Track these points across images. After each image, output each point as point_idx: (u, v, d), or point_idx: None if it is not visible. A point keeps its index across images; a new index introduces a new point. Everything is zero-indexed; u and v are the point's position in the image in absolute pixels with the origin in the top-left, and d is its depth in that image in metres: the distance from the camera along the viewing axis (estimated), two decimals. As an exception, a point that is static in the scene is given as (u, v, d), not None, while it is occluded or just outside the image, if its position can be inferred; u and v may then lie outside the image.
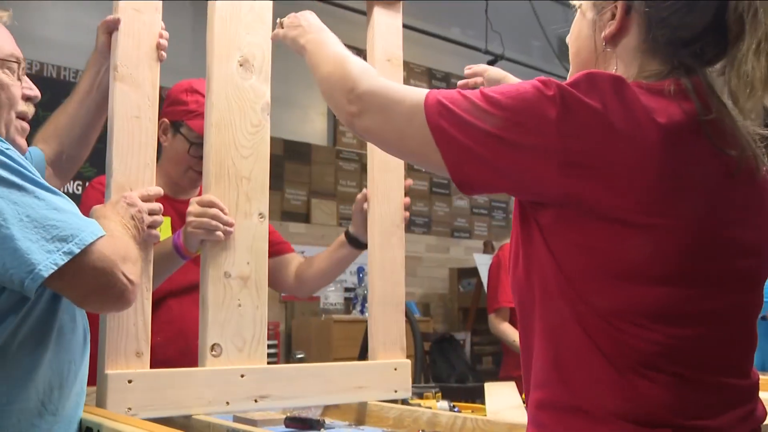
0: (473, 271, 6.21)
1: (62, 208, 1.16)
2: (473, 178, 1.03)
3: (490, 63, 6.67)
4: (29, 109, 1.34)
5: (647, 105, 0.98)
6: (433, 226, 6.81)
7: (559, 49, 7.54)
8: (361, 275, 5.84)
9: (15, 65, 1.32)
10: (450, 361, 5.10)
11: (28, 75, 1.38)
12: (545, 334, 1.04)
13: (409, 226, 6.59)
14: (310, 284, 2.22)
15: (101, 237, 1.18)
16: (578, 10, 1.20)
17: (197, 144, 2.07)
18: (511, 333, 3.21)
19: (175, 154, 2.12)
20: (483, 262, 5.80)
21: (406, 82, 7.11)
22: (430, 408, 1.95)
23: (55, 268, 1.11)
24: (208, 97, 1.73)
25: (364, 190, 2.05)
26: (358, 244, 2.09)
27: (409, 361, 1.95)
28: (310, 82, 5.35)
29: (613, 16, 1.11)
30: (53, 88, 4.42)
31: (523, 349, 1.11)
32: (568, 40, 1.23)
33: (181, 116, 2.10)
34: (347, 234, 2.11)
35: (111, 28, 1.59)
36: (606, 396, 0.98)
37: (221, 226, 1.68)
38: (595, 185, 0.96)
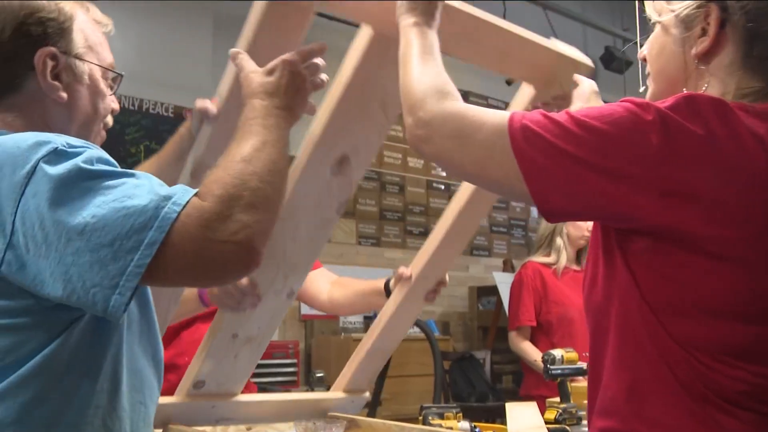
0: (493, 290, 6.18)
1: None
2: (561, 207, 0.97)
3: (508, 81, 6.67)
4: (110, 121, 1.33)
5: (754, 130, 0.93)
6: (453, 244, 6.79)
7: (578, 66, 7.53)
8: (380, 294, 5.82)
9: (115, 77, 1.32)
10: (470, 380, 5.07)
11: None
12: (620, 362, 1.00)
13: (428, 244, 6.58)
14: (341, 311, 2.22)
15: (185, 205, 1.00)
16: (657, 26, 1.14)
17: None
18: (531, 352, 3.19)
19: None
20: (502, 281, 5.77)
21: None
22: (451, 428, 1.94)
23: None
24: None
25: (408, 270, 1.94)
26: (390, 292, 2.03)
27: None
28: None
29: (704, 31, 1.05)
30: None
31: (592, 372, 1.09)
32: (643, 56, 1.19)
33: None
34: (386, 287, 2.05)
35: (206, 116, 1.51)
36: (684, 429, 0.94)
37: (248, 302, 1.60)
38: (696, 216, 0.91)
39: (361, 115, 1.45)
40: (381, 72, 1.41)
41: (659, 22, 1.13)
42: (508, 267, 6.51)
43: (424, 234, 6.55)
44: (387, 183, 6.37)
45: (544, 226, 3.38)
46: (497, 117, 1.01)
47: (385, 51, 1.38)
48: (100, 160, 1.03)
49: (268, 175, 1.06)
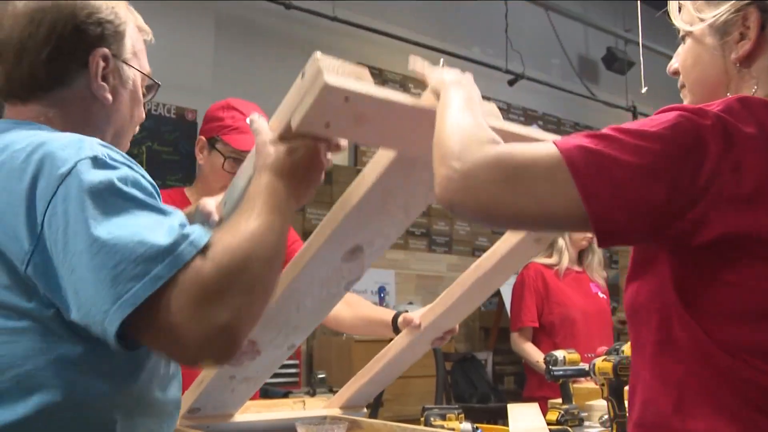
0: (495, 291, 6.17)
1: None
2: (622, 227, 0.92)
3: (510, 82, 6.67)
4: (136, 130, 1.34)
5: None
6: (454, 245, 6.79)
7: (579, 67, 7.54)
8: (382, 294, 5.82)
9: (153, 87, 1.34)
10: (472, 381, 5.07)
11: None
12: (663, 376, 0.99)
13: (430, 245, 6.59)
14: (343, 330, 2.21)
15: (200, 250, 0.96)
16: (688, 39, 1.13)
17: (232, 158, 2.10)
18: (534, 353, 3.19)
19: (211, 171, 2.14)
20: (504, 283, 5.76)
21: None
22: (453, 430, 1.94)
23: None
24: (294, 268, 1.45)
25: (417, 319, 1.92)
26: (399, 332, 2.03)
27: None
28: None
29: (742, 35, 1.05)
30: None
31: (633, 380, 1.08)
32: (674, 69, 1.17)
33: (216, 132, 2.13)
34: (394, 321, 2.04)
35: (208, 219, 1.49)
36: None
37: (246, 358, 1.59)
38: (760, 220, 0.90)
39: (381, 215, 1.39)
40: (405, 183, 1.32)
41: (690, 33, 1.12)
42: (509, 268, 6.49)
43: (426, 235, 6.55)
44: (389, 184, 6.36)
45: (546, 227, 3.38)
46: (546, 148, 0.95)
47: (411, 167, 1.29)
48: (135, 184, 1.02)
49: (269, 263, 1.02)
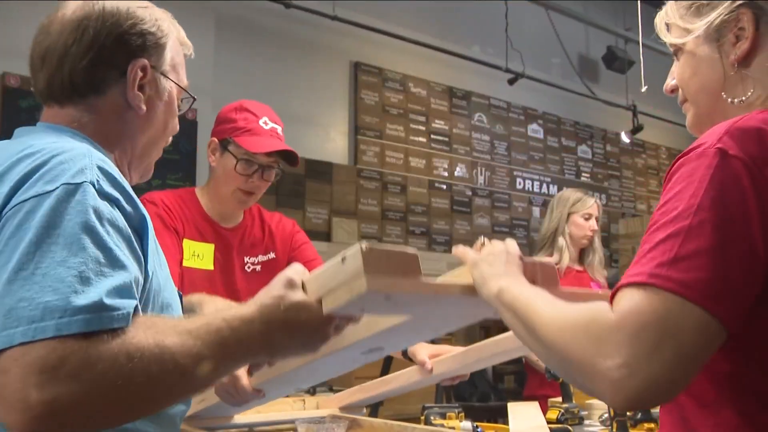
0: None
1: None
2: (738, 310, 0.89)
3: (511, 81, 6.67)
4: (169, 141, 1.35)
5: None
6: (455, 244, 6.78)
7: (579, 66, 7.53)
8: (382, 294, 5.82)
9: (189, 100, 1.34)
10: (472, 380, 5.07)
11: None
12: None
13: (430, 244, 6.59)
14: None
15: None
16: (682, 55, 1.14)
17: (244, 160, 2.10)
18: (534, 352, 3.19)
19: (223, 173, 2.14)
20: (505, 280, 5.75)
21: (426, 101, 7.07)
22: (453, 428, 1.94)
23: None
24: None
25: (429, 364, 1.90)
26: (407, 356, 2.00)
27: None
28: (332, 101, 5.41)
29: (737, 37, 1.06)
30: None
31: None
32: (671, 87, 1.18)
33: (229, 133, 2.12)
34: (404, 350, 1.99)
35: None
36: None
37: (252, 402, 1.59)
38: None
39: (410, 332, 1.37)
40: (436, 311, 1.27)
41: (683, 47, 1.13)
42: (510, 267, 6.49)
43: (426, 234, 6.56)
44: (389, 183, 6.37)
45: (547, 225, 3.38)
46: (655, 296, 0.87)
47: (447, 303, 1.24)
48: (111, 224, 0.98)
49: (157, 391, 0.93)
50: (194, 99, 1.35)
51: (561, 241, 3.29)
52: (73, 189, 0.96)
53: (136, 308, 0.95)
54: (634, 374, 0.84)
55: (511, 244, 1.20)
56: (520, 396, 3.66)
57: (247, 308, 1.05)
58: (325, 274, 1.07)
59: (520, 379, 5.77)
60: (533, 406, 2.25)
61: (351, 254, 1.01)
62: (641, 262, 0.91)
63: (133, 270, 0.99)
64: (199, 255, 2.13)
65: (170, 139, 1.34)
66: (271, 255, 2.27)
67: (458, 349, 1.93)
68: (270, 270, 2.22)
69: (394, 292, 1.01)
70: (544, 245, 3.36)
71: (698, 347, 0.86)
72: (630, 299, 0.88)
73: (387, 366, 2.76)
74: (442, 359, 1.88)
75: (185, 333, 0.95)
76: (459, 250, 1.22)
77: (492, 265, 1.13)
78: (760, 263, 0.89)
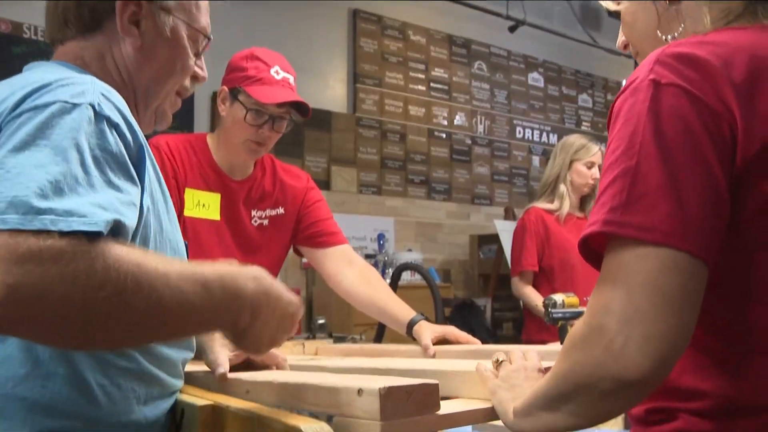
0: (494, 238, 6.19)
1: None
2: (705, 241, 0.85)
3: (511, 29, 6.60)
4: (190, 88, 1.31)
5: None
6: (454, 192, 6.79)
7: (581, 13, 7.44)
8: (381, 242, 5.84)
9: (202, 40, 1.30)
10: (471, 327, 5.11)
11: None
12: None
13: (430, 192, 6.59)
14: (355, 306, 2.17)
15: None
16: (621, 15, 1.13)
17: (254, 110, 2.04)
18: (533, 296, 3.22)
19: (233, 123, 2.08)
20: (504, 229, 5.78)
21: (425, 49, 6.98)
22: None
23: None
24: None
25: (432, 349, 1.86)
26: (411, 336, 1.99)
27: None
28: (330, 49, 5.35)
29: None
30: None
31: None
32: (622, 43, 1.16)
33: (239, 82, 2.06)
34: (410, 326, 1.98)
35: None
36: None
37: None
38: None
39: None
40: None
41: (619, 12, 1.13)
42: (509, 215, 6.52)
43: (425, 182, 6.55)
44: (388, 131, 6.34)
45: (549, 172, 3.38)
46: (613, 253, 0.87)
47: None
48: (104, 149, 0.95)
49: (130, 318, 0.86)
50: (208, 39, 1.31)
51: (562, 188, 3.28)
52: (69, 108, 0.94)
53: (124, 228, 0.90)
54: (633, 339, 0.82)
55: (531, 357, 1.17)
56: (518, 342, 3.70)
57: (244, 280, 1.02)
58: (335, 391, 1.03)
59: (518, 326, 5.82)
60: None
61: (368, 390, 0.96)
62: (595, 209, 0.90)
63: (131, 192, 0.96)
64: (205, 205, 2.09)
65: (189, 83, 1.30)
66: (280, 210, 2.21)
67: (464, 338, 1.93)
68: (277, 226, 2.20)
69: None
70: (545, 192, 3.35)
71: (683, 289, 0.83)
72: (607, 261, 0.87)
73: (380, 333, 2.78)
74: (446, 352, 1.85)
75: (171, 266, 0.91)
76: (480, 371, 1.18)
77: (511, 389, 1.09)
78: (721, 187, 0.85)
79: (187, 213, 2.04)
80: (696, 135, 0.85)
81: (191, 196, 2.07)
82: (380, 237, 5.87)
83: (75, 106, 0.95)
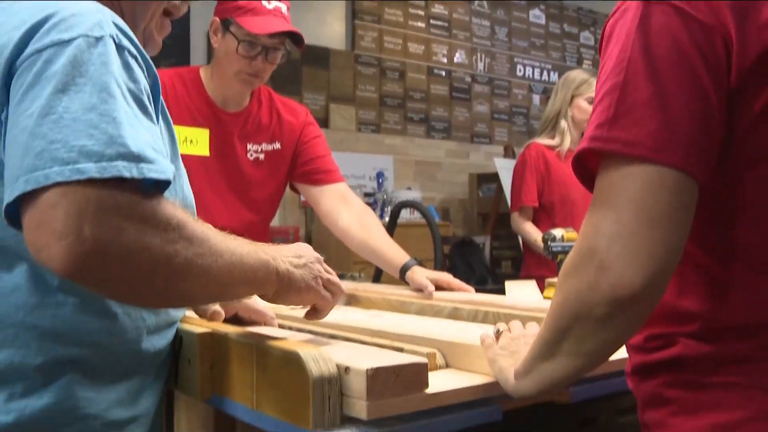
0: (493, 177, 6.18)
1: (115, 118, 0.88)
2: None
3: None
4: (181, 9, 1.27)
5: None
6: (453, 131, 6.75)
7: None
8: (380, 180, 5.82)
9: None
10: (470, 264, 5.13)
11: None
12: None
13: (429, 131, 6.55)
14: (349, 247, 2.14)
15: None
16: None
17: (246, 42, 2.00)
18: (532, 231, 3.21)
19: (225, 55, 2.04)
20: (503, 167, 5.76)
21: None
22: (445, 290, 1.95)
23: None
24: None
25: (432, 289, 1.86)
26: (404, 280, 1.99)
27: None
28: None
29: None
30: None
31: None
32: None
33: (230, 13, 2.02)
34: (403, 271, 1.98)
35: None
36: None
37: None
38: None
39: None
40: None
41: None
42: (509, 153, 6.49)
43: (425, 121, 6.50)
44: (387, 69, 6.26)
45: (550, 107, 3.34)
46: (604, 171, 0.86)
47: None
48: (132, 78, 0.94)
49: (188, 273, 0.89)
50: None
51: (563, 123, 3.25)
52: (93, 41, 0.90)
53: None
54: (622, 256, 0.81)
55: (531, 326, 1.15)
56: (517, 279, 3.70)
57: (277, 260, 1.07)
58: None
59: (517, 265, 5.84)
60: (530, 284, 2.27)
61: (355, 370, 0.97)
62: (588, 125, 0.89)
63: (155, 131, 0.95)
64: (193, 141, 2.05)
65: (184, 6, 1.26)
66: (277, 145, 2.17)
67: (457, 285, 1.91)
68: (274, 161, 2.16)
69: (397, 413, 0.98)
70: (546, 128, 3.32)
71: (670, 206, 0.81)
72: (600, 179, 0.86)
73: (379, 271, 2.79)
74: (445, 293, 1.84)
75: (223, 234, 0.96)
76: (482, 340, 1.16)
77: (512, 355, 1.08)
78: (712, 104, 0.83)
79: None
80: (686, 52, 0.83)
81: (177, 132, 2.02)
82: (379, 175, 5.85)
83: (98, 39, 0.91)
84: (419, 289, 1.90)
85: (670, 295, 0.89)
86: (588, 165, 0.91)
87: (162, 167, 0.88)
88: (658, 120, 0.81)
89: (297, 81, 5.61)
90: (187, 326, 1.22)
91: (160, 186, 0.88)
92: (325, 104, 5.85)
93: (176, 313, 1.19)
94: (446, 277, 1.93)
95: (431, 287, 1.85)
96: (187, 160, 2.00)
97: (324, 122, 5.78)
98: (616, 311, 0.83)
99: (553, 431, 1.30)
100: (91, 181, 0.81)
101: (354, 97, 6.04)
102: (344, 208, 2.13)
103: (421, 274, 1.92)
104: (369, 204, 5.75)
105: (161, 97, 1.07)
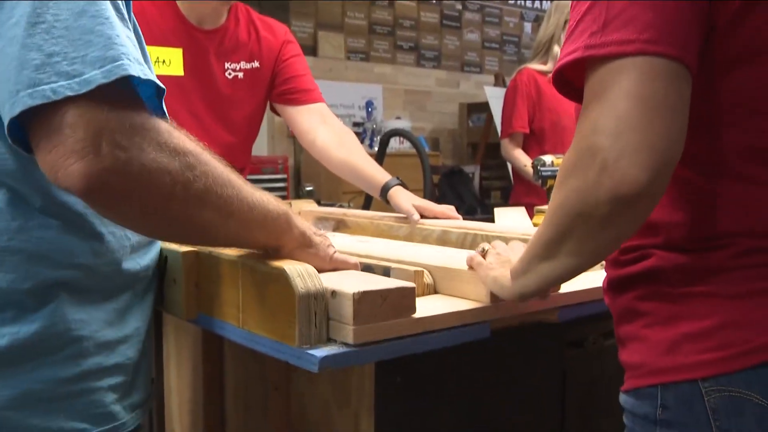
0: (483, 106, 6.12)
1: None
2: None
3: None
4: None
5: None
6: (443, 60, 6.66)
7: None
8: (369, 109, 5.77)
9: None
10: (459, 194, 5.12)
11: None
12: None
13: (419, 59, 6.46)
14: (328, 167, 2.08)
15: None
16: None
17: None
18: (522, 158, 3.19)
19: None
20: (493, 95, 5.70)
21: None
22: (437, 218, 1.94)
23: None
24: None
25: (417, 218, 1.80)
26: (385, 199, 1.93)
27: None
28: None
29: None
30: None
31: None
32: None
33: None
34: (384, 190, 1.92)
35: None
36: None
37: None
38: None
39: None
40: None
41: None
42: (499, 82, 6.42)
43: (414, 49, 6.40)
44: (376, -5, 6.15)
45: (543, 32, 3.28)
46: (595, 76, 0.84)
47: None
48: None
49: (191, 200, 0.88)
50: None
51: (556, 49, 3.19)
52: None
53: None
54: (626, 151, 0.78)
55: (515, 244, 1.14)
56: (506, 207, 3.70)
57: (294, 226, 1.06)
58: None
59: (506, 195, 5.84)
60: (519, 211, 2.26)
61: (342, 294, 0.95)
62: (572, 37, 0.86)
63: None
64: (166, 61, 1.97)
65: None
66: (255, 64, 2.10)
67: (441, 212, 1.85)
68: (253, 80, 2.09)
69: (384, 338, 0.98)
70: (539, 53, 3.27)
71: (667, 95, 0.79)
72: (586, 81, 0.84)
73: (369, 200, 2.78)
74: (431, 221, 1.80)
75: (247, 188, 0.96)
76: (469, 261, 1.16)
77: (503, 265, 1.08)
78: None
79: None
80: None
81: (149, 53, 1.95)
82: (368, 104, 5.79)
83: None
84: (402, 215, 1.85)
85: None
86: (568, 76, 0.90)
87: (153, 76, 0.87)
88: (648, 15, 0.80)
89: (285, 8, 5.49)
90: (170, 245, 1.20)
91: (156, 104, 0.88)
92: (313, 32, 5.74)
93: None
94: (429, 205, 1.86)
95: (417, 216, 1.80)
96: (161, 81, 1.94)
97: (312, 50, 5.68)
98: (620, 209, 0.81)
99: (541, 352, 1.31)
100: (103, 94, 0.80)
101: (342, 24, 5.93)
102: (323, 128, 2.06)
103: (404, 198, 1.86)
104: (358, 134, 5.71)
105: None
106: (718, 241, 0.87)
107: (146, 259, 1.13)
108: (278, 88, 2.13)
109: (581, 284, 1.25)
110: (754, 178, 0.86)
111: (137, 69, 0.83)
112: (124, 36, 0.85)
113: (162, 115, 0.89)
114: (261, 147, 5.19)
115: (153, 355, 1.24)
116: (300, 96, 2.11)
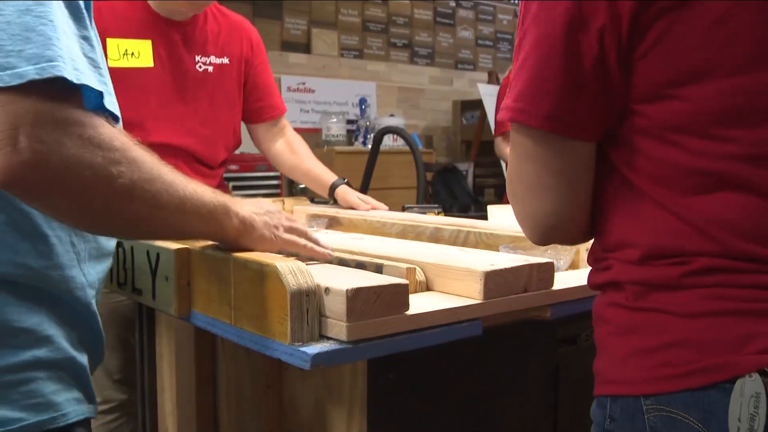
0: (477, 104, 6.12)
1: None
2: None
3: None
4: None
5: None
6: (437, 57, 6.65)
7: None
8: (363, 107, 5.76)
9: None
10: (452, 191, 5.12)
11: None
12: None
13: (412, 57, 6.45)
14: (282, 172, 2.41)
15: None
16: None
17: None
18: (515, 157, 3.19)
19: None
20: (487, 93, 5.70)
21: None
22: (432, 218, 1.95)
23: None
24: None
25: (367, 208, 2.11)
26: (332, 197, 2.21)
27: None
28: None
29: None
30: None
31: None
32: None
33: None
34: (332, 189, 2.20)
35: None
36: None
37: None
38: None
39: None
40: None
41: None
42: (493, 79, 6.42)
43: (408, 46, 6.40)
44: (370, -7, 6.14)
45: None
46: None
47: None
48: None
49: (123, 191, 0.89)
50: None
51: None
52: None
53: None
54: (520, 216, 0.97)
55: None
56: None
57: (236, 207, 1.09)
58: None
59: (499, 193, 5.85)
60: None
61: (335, 291, 0.96)
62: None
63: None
64: (134, 53, 1.94)
65: None
66: (225, 60, 2.09)
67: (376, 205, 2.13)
68: (222, 76, 2.08)
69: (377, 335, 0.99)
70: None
71: (537, 175, 0.90)
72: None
73: (366, 181, 2.79)
74: (382, 212, 2.05)
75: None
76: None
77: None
78: (608, 68, 0.85)
79: (112, 64, 1.88)
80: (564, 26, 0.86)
81: (115, 46, 1.92)
82: (362, 102, 5.79)
83: None
84: (351, 207, 2.10)
85: (603, 221, 0.94)
86: None
87: (93, 80, 0.87)
88: (535, 93, 0.88)
89: (278, 6, 5.48)
90: (163, 243, 1.20)
91: (98, 102, 0.88)
92: (307, 29, 5.73)
93: (108, 243, 1.15)
94: (372, 201, 2.13)
95: (366, 206, 2.07)
96: (131, 73, 1.92)
97: (306, 47, 5.67)
98: (545, 240, 0.98)
99: (534, 349, 1.31)
100: (32, 89, 0.80)
101: (336, 21, 5.92)
102: (279, 138, 2.28)
103: (351, 194, 2.13)
104: (351, 131, 5.71)
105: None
106: (675, 259, 0.87)
107: (93, 274, 1.09)
108: (252, 105, 2.21)
109: (574, 281, 1.25)
110: (711, 199, 0.85)
111: (71, 72, 0.83)
112: (66, 40, 0.85)
113: (108, 114, 0.90)
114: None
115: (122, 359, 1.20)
116: (265, 113, 2.24)
